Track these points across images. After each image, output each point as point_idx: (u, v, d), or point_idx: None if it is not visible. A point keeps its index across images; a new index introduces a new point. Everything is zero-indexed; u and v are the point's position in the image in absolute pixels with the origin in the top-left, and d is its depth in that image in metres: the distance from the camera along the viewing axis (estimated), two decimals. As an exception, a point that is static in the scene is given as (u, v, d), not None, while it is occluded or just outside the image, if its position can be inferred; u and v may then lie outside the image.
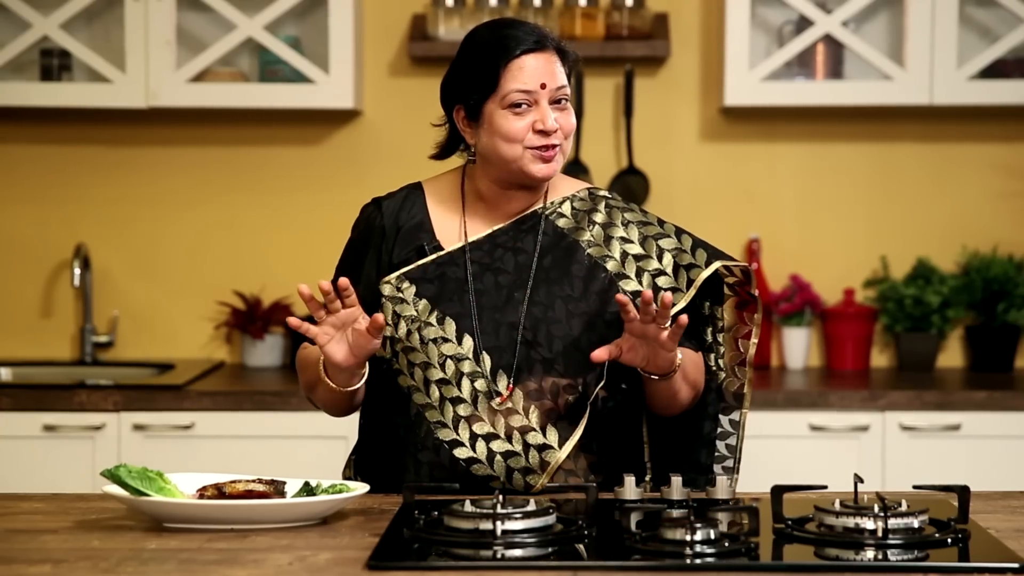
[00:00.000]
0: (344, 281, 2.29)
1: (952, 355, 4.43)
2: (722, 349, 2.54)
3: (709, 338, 2.54)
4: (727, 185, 4.42)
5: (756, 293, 2.50)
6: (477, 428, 2.40)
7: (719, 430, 2.55)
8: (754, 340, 2.51)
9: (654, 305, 2.27)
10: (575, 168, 4.33)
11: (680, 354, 2.38)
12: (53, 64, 4.31)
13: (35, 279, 4.47)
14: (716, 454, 2.55)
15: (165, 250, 4.46)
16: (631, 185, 4.35)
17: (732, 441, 2.55)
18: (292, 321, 2.28)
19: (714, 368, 2.54)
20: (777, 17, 4.35)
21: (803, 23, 4.25)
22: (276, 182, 4.45)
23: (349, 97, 4.21)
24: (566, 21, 4.27)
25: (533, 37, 2.43)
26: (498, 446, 2.39)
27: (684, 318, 2.30)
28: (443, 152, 2.56)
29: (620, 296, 2.31)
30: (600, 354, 2.32)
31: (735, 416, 2.54)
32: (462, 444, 2.40)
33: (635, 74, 4.37)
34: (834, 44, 4.26)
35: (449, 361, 2.42)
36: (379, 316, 2.27)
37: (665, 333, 2.30)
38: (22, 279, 4.47)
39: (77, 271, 4.29)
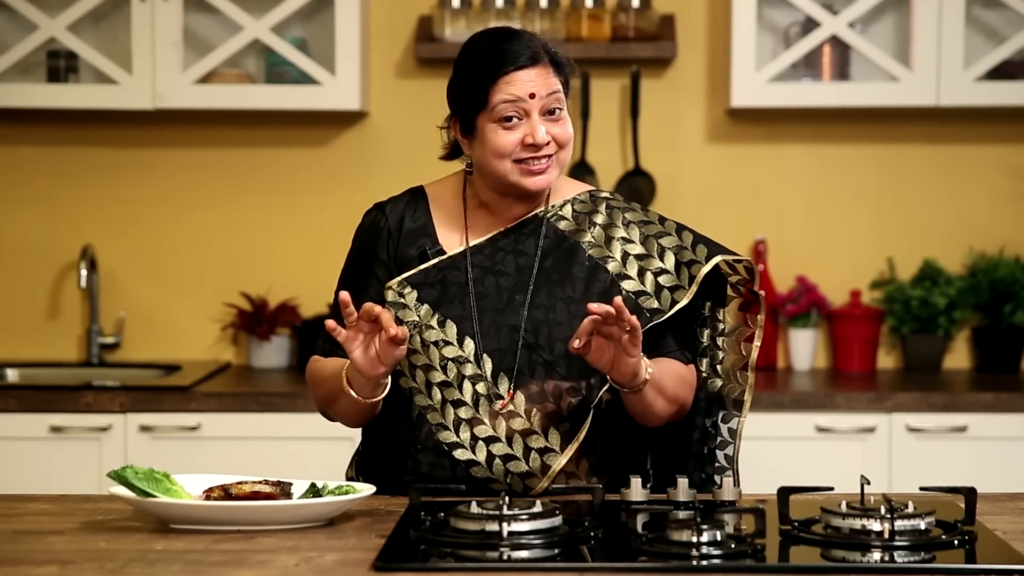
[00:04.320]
0: (344, 297, 2.27)
1: (959, 357, 4.42)
2: (721, 354, 2.52)
3: (706, 341, 2.52)
4: (733, 186, 4.42)
5: (761, 292, 2.48)
6: (478, 431, 2.40)
7: (719, 439, 2.52)
8: (757, 343, 2.49)
9: (626, 312, 2.23)
10: (581, 170, 4.33)
11: (651, 368, 2.34)
12: (60, 65, 4.31)
13: (42, 280, 4.48)
14: (716, 464, 2.52)
15: (172, 251, 4.46)
16: (637, 187, 4.35)
17: (730, 451, 2.52)
18: (329, 323, 2.27)
19: (707, 374, 2.52)
20: (784, 18, 4.35)
21: (809, 24, 4.25)
22: (282, 183, 4.45)
23: (355, 99, 4.21)
24: (572, 23, 4.28)
25: (527, 52, 2.40)
26: (498, 449, 2.39)
27: (637, 322, 2.25)
28: (452, 153, 2.55)
29: (618, 300, 2.24)
30: (575, 344, 2.26)
31: (733, 424, 2.51)
32: (462, 446, 2.40)
33: (641, 75, 4.37)
34: (841, 45, 4.26)
35: (451, 364, 2.42)
36: (402, 329, 2.25)
37: (625, 336, 2.26)
38: (29, 280, 4.47)
39: (84, 272, 4.30)
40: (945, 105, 4.16)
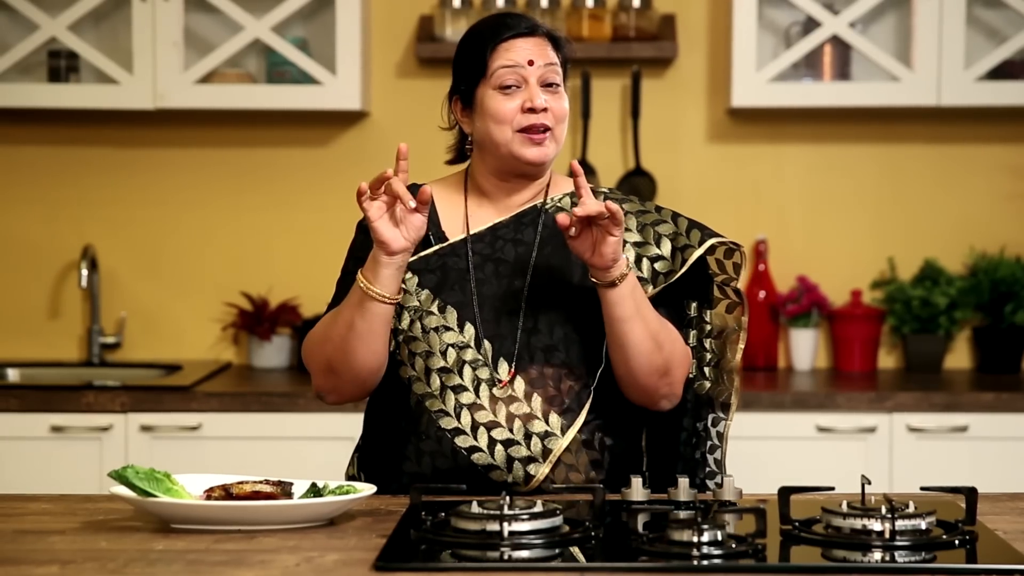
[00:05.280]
0: (388, 174, 2.31)
1: (959, 356, 4.42)
2: (709, 356, 2.55)
3: (694, 342, 2.55)
4: (734, 186, 4.42)
5: (742, 292, 2.52)
6: (479, 416, 2.41)
7: (708, 443, 2.55)
8: (740, 345, 2.52)
9: (614, 208, 2.29)
10: (582, 169, 4.32)
11: (628, 267, 2.36)
12: (61, 65, 4.32)
13: (42, 280, 4.48)
14: (708, 469, 2.55)
15: (172, 251, 4.46)
16: (638, 186, 4.36)
17: (719, 455, 2.55)
18: (361, 186, 2.31)
19: (694, 376, 2.55)
20: (784, 18, 4.35)
21: (810, 24, 4.25)
22: (283, 183, 4.45)
23: (356, 98, 4.21)
24: (573, 22, 4.28)
25: (526, 24, 2.47)
26: (499, 434, 2.40)
27: (617, 208, 2.29)
28: (457, 156, 2.57)
29: (561, 217, 2.32)
30: (563, 219, 2.32)
31: (721, 428, 2.54)
32: (464, 432, 2.41)
33: (642, 75, 4.37)
34: (841, 45, 4.26)
35: (451, 349, 2.43)
36: (426, 188, 2.31)
37: (607, 219, 2.29)
38: (29, 280, 4.47)
39: (84, 272, 4.30)
40: (946, 105, 4.16)
